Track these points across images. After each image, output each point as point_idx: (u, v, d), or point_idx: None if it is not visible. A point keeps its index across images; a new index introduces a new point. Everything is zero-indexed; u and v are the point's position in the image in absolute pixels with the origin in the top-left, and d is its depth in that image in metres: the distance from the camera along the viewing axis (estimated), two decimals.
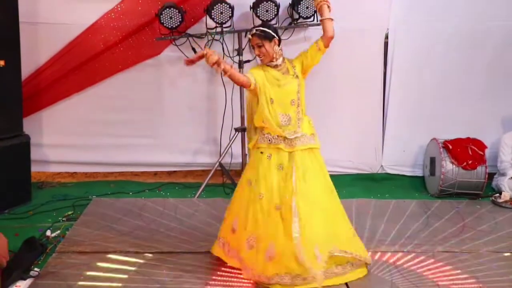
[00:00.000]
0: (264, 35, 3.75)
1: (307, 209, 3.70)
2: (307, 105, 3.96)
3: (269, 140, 3.82)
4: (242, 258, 3.84)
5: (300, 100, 3.83)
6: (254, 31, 3.78)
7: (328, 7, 3.79)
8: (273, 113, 3.79)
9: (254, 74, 3.77)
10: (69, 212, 5.09)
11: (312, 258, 3.66)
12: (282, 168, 3.78)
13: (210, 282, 3.81)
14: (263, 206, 3.74)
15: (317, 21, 5.57)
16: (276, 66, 3.82)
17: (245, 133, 5.66)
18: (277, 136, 3.80)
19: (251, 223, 3.77)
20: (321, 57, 3.86)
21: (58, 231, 4.58)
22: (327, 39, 3.81)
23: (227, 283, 3.81)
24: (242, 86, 3.93)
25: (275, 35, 3.79)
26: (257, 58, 3.93)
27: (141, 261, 4.10)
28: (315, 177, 3.82)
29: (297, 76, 3.82)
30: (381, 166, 6.34)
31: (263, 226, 3.73)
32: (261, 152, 3.84)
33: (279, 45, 3.82)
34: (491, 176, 5.89)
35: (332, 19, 3.78)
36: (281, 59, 3.83)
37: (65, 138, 6.08)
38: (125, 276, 3.87)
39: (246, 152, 5.73)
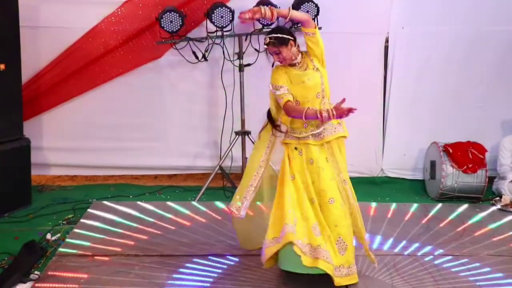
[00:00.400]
0: (279, 42, 3.70)
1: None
2: None
3: (298, 138, 3.83)
4: (316, 248, 3.67)
5: (324, 92, 3.81)
6: (268, 40, 3.72)
7: (274, 9, 3.73)
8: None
9: (286, 87, 3.73)
10: (69, 216, 5.09)
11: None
12: (312, 162, 3.78)
13: (210, 286, 3.81)
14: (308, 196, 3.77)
15: (318, 25, 5.56)
16: (296, 65, 3.79)
17: (245, 136, 5.68)
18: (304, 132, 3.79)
19: (308, 211, 3.74)
20: (320, 37, 3.80)
21: (58, 235, 4.58)
22: (306, 23, 3.76)
23: (227, 286, 3.81)
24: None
25: (290, 37, 3.73)
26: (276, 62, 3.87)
27: (141, 264, 4.09)
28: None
29: (317, 69, 3.78)
30: (382, 169, 6.34)
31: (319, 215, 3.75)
32: (295, 148, 3.83)
33: (295, 45, 3.76)
34: (491, 179, 5.89)
35: (289, 8, 3.74)
36: (299, 56, 3.80)
37: (65, 142, 6.08)
38: (126, 279, 3.87)
39: (247, 156, 5.74)
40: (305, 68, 3.79)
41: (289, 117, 3.80)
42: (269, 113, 3.97)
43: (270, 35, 3.74)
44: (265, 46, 3.79)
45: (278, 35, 3.71)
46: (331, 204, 3.74)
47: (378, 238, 4.63)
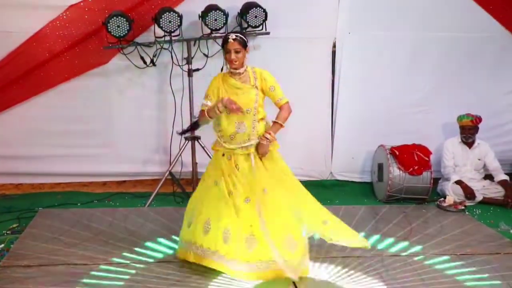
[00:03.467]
0: (243, 42, 3.91)
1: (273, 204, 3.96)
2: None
3: (225, 142, 4.01)
4: (221, 255, 3.91)
5: (256, 109, 3.96)
6: (234, 36, 3.89)
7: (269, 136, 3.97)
8: (229, 122, 3.96)
9: (210, 96, 3.99)
10: (14, 225, 4.95)
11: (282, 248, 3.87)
12: (238, 168, 3.97)
13: None
14: (234, 201, 3.93)
15: (265, 30, 5.62)
16: (238, 74, 3.95)
17: (195, 141, 5.66)
18: (235, 133, 3.98)
19: (225, 218, 3.92)
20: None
21: (2, 245, 4.44)
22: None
23: None
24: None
25: (247, 45, 3.98)
26: (227, 63, 3.98)
27: (90, 273, 4.01)
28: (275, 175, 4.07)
29: (256, 87, 3.96)
30: (331, 172, 6.44)
31: (237, 220, 3.91)
32: (223, 154, 4.03)
33: (247, 54, 3.98)
34: (436, 181, 6.06)
35: (280, 125, 4.05)
36: (244, 67, 3.97)
37: (9, 149, 5.91)
38: None
39: (197, 161, 5.71)
40: (244, 81, 3.98)
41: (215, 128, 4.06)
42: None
43: (236, 33, 3.96)
44: (231, 40, 3.88)
45: (243, 37, 3.95)
46: (246, 203, 3.93)
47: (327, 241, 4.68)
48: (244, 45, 3.92)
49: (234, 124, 3.95)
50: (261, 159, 3.99)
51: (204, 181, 4.16)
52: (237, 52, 3.88)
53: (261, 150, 3.96)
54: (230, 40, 3.89)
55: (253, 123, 3.95)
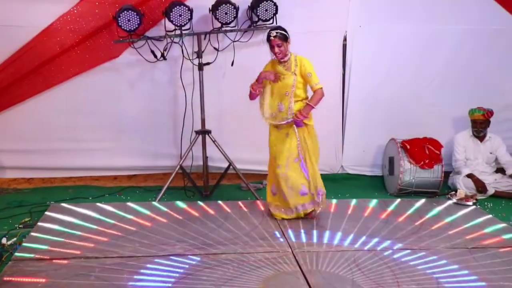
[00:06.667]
0: (283, 37, 4.64)
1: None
2: None
3: (273, 118, 4.82)
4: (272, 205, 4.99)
5: (294, 93, 4.71)
6: (274, 33, 4.61)
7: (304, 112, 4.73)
8: (272, 103, 4.78)
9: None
10: (26, 219, 4.98)
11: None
12: (288, 135, 4.81)
13: (173, 286, 3.78)
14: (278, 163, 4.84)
15: (276, 23, 5.60)
16: (284, 62, 4.71)
17: (206, 135, 5.67)
18: (277, 111, 4.77)
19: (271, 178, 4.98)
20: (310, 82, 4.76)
21: (14, 239, 4.46)
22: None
23: (190, 286, 3.79)
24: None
25: (289, 37, 4.68)
26: (273, 55, 4.72)
27: (102, 266, 4.03)
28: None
29: (295, 73, 4.70)
30: (342, 166, 6.43)
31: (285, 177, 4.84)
32: (275, 126, 4.86)
33: (289, 44, 4.70)
34: (447, 174, 6.03)
35: (310, 106, 4.75)
36: (288, 55, 4.72)
37: (21, 144, 5.95)
38: (85, 282, 3.79)
39: (207, 155, 5.72)
40: (288, 68, 4.73)
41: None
42: None
43: (277, 30, 4.66)
44: (272, 38, 4.61)
45: (283, 32, 4.67)
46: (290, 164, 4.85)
47: (338, 235, 4.68)
48: (285, 38, 4.65)
49: (276, 104, 4.76)
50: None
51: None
52: (279, 46, 4.62)
53: (295, 125, 4.75)
54: (271, 38, 4.61)
55: (290, 104, 4.71)
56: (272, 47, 4.67)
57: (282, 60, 4.71)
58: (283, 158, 4.81)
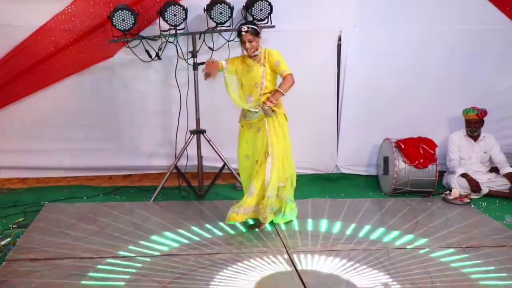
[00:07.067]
0: (255, 32, 4.56)
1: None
2: None
3: (244, 116, 4.76)
4: (259, 208, 4.74)
5: (263, 84, 4.62)
6: (246, 28, 4.53)
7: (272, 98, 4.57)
8: (242, 95, 4.71)
9: (228, 62, 4.75)
10: (20, 219, 4.96)
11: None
12: (259, 130, 4.69)
13: (168, 286, 3.78)
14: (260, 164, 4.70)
15: (270, 23, 5.61)
16: (254, 56, 4.62)
17: (200, 135, 5.66)
18: (247, 110, 4.70)
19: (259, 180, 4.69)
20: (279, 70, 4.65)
21: (8, 239, 4.45)
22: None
23: (184, 286, 3.79)
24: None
25: (260, 32, 4.62)
26: (244, 51, 4.65)
27: (96, 266, 4.02)
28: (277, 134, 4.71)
29: (264, 65, 4.61)
30: (336, 166, 6.43)
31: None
32: (242, 126, 4.82)
33: (260, 39, 4.65)
34: (441, 174, 6.05)
35: (280, 93, 4.59)
36: (259, 50, 4.62)
37: (15, 143, 5.93)
38: (79, 283, 3.80)
39: (202, 155, 5.72)
40: (258, 61, 4.64)
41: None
42: None
43: (248, 25, 4.58)
44: (244, 33, 4.52)
45: (255, 27, 4.59)
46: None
47: (333, 234, 4.69)
48: (256, 33, 4.56)
49: (246, 96, 4.68)
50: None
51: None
52: (250, 41, 4.54)
53: (264, 113, 4.59)
54: (243, 33, 4.53)
55: (259, 96, 4.61)
56: (243, 43, 4.58)
57: (253, 54, 4.61)
58: (261, 154, 4.69)
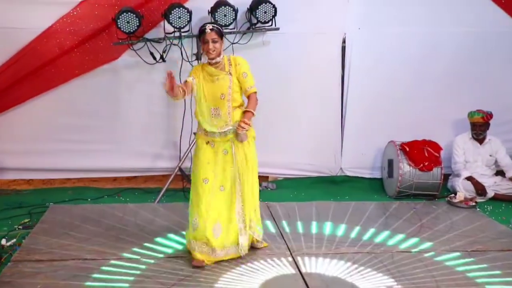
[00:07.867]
0: (220, 33, 4.05)
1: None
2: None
3: (206, 134, 4.12)
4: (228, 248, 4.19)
5: (231, 96, 4.05)
6: (211, 26, 4.01)
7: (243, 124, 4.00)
8: (206, 108, 4.06)
9: (193, 78, 4.07)
10: (26, 220, 4.98)
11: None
12: (226, 153, 4.11)
13: (173, 287, 3.78)
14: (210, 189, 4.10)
15: (275, 25, 5.61)
16: (216, 63, 4.05)
17: None
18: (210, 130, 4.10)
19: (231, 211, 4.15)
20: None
21: (14, 240, 4.46)
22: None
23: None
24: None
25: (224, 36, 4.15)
26: (205, 53, 4.07)
27: (100, 268, 4.03)
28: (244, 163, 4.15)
29: (230, 73, 4.06)
30: (341, 168, 6.42)
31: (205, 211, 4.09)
32: (207, 142, 4.13)
33: (223, 44, 4.13)
34: (446, 177, 6.03)
35: (251, 113, 4.04)
36: (221, 56, 4.07)
37: (21, 145, 5.94)
38: (84, 284, 3.80)
39: None
40: (221, 68, 4.08)
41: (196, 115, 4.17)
42: None
43: (213, 24, 4.11)
44: (208, 31, 3.98)
45: (220, 27, 4.09)
46: (221, 191, 4.13)
47: (337, 237, 4.68)
48: (221, 35, 4.05)
49: (210, 110, 4.05)
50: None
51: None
52: (214, 42, 3.99)
53: (239, 138, 4.04)
54: (207, 30, 3.99)
55: (228, 109, 4.05)
56: (206, 43, 3.97)
57: (214, 60, 4.02)
58: (227, 179, 4.12)
